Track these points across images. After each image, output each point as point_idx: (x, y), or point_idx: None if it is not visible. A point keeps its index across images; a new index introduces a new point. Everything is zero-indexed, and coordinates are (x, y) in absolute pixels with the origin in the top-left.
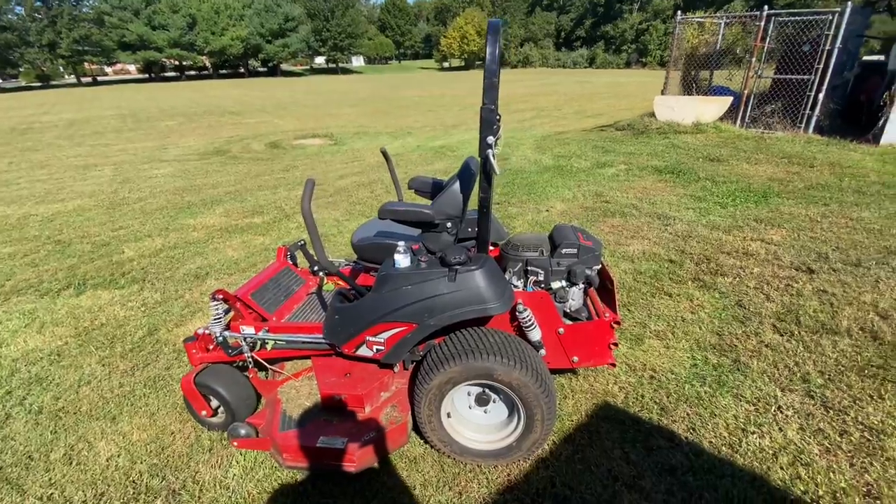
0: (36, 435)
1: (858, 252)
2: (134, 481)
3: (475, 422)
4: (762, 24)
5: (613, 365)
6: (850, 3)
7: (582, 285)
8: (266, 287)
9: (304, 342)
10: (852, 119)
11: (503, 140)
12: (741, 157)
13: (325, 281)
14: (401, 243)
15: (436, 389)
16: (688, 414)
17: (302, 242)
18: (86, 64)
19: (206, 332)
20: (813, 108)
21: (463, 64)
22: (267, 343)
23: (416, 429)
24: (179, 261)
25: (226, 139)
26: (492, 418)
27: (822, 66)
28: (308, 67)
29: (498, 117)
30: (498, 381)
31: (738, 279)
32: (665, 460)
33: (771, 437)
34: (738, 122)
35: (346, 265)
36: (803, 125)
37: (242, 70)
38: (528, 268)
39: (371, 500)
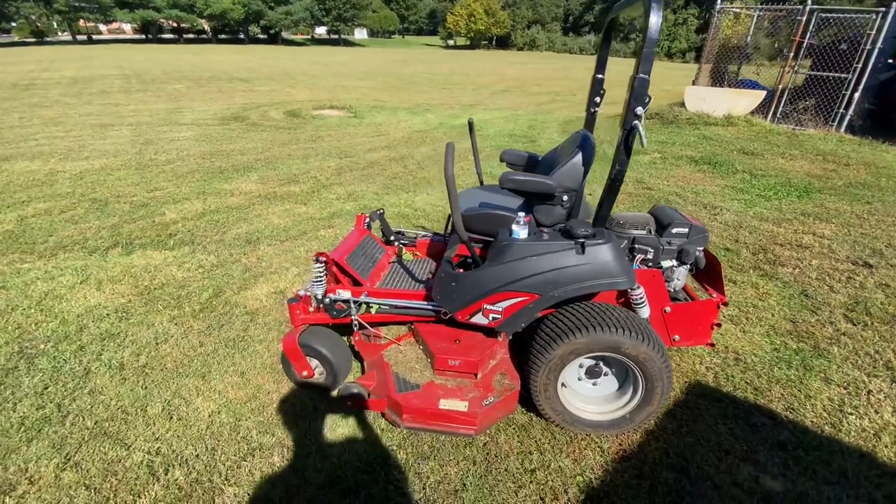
0: (126, 390)
1: None
2: (244, 437)
3: (585, 393)
4: (804, 18)
5: (712, 345)
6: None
7: (688, 265)
8: (356, 253)
9: (407, 308)
10: (881, 120)
11: (531, 120)
12: (776, 151)
13: (404, 251)
14: (520, 214)
15: (557, 359)
16: (782, 395)
17: (381, 211)
18: (81, 21)
19: (307, 293)
20: (848, 107)
21: (468, 43)
22: (371, 307)
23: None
24: (225, 225)
25: (241, 105)
26: (600, 390)
27: (860, 65)
28: (309, 37)
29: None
30: (624, 355)
31: (798, 270)
32: (772, 436)
33: (869, 419)
34: (770, 116)
35: (424, 236)
36: (835, 124)
37: (242, 36)
38: (636, 245)
39: (493, 462)
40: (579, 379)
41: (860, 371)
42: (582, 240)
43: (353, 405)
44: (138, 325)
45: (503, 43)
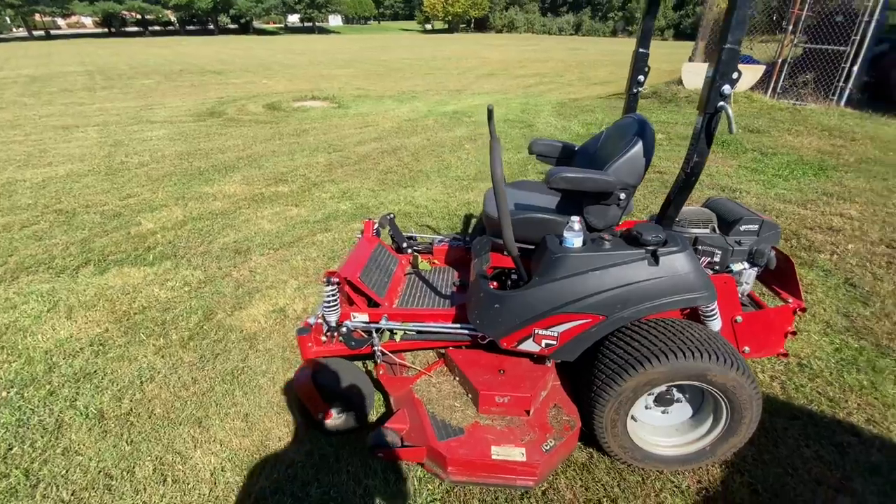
0: (108, 446)
1: None
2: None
3: (654, 424)
4: None
5: (785, 355)
6: None
7: (760, 268)
8: (369, 267)
9: (436, 332)
10: (876, 93)
11: (523, 103)
12: (781, 128)
13: (420, 259)
14: (574, 218)
15: (630, 392)
16: (859, 404)
17: (391, 216)
18: (36, 16)
19: (319, 321)
20: (847, 81)
21: (447, 27)
22: (395, 333)
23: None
24: (209, 234)
25: (216, 100)
26: (671, 419)
27: (858, 37)
28: (282, 26)
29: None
30: (709, 383)
31: (836, 256)
32: (863, 458)
33: None
34: (770, 92)
35: (440, 241)
36: (835, 98)
37: (211, 26)
38: (699, 247)
39: None
40: (647, 407)
41: None
42: (653, 247)
43: (385, 457)
44: (118, 360)
45: (481, 25)
